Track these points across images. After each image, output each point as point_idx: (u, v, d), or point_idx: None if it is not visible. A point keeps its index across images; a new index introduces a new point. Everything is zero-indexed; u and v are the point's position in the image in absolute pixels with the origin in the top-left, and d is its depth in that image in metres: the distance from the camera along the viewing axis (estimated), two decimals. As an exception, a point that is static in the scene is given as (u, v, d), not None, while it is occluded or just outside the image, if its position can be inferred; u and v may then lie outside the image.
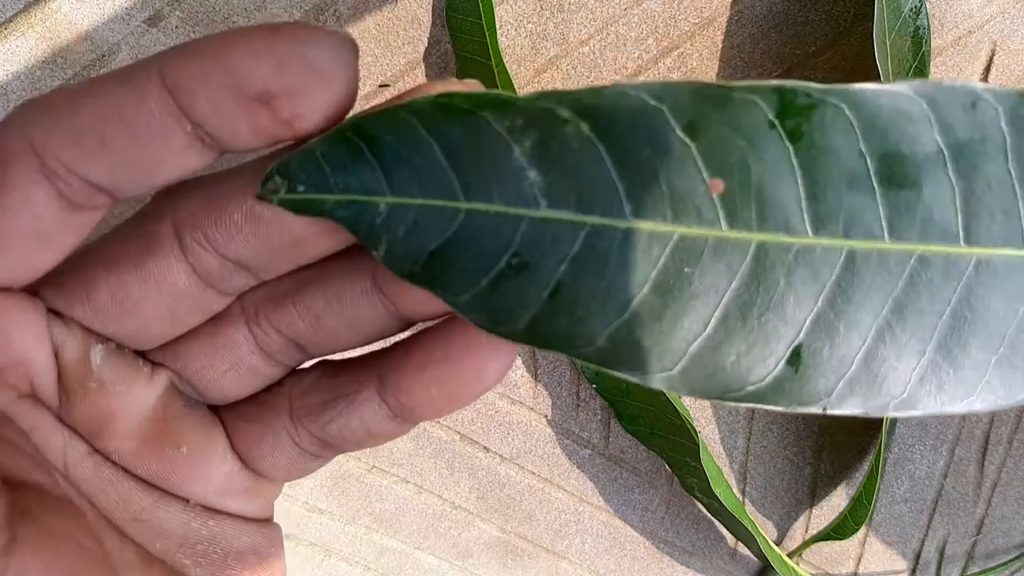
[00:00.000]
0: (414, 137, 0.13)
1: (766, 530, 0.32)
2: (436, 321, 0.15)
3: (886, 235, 0.13)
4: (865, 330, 0.13)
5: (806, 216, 0.13)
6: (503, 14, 0.23)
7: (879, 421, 0.29)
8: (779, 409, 0.14)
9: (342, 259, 0.14)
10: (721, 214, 0.13)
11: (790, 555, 0.31)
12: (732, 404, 0.14)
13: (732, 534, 0.31)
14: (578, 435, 0.30)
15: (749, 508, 0.31)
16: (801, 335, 0.13)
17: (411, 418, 0.15)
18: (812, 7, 0.23)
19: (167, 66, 0.11)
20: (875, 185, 0.13)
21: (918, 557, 0.32)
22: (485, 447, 0.30)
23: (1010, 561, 0.32)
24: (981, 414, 0.30)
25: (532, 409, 0.29)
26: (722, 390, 0.13)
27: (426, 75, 0.24)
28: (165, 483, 0.15)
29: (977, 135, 0.13)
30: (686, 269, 0.13)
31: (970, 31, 0.24)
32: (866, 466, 0.30)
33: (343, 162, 0.13)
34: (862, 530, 0.31)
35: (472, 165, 0.13)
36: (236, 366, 0.15)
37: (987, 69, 0.24)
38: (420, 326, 0.15)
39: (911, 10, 0.22)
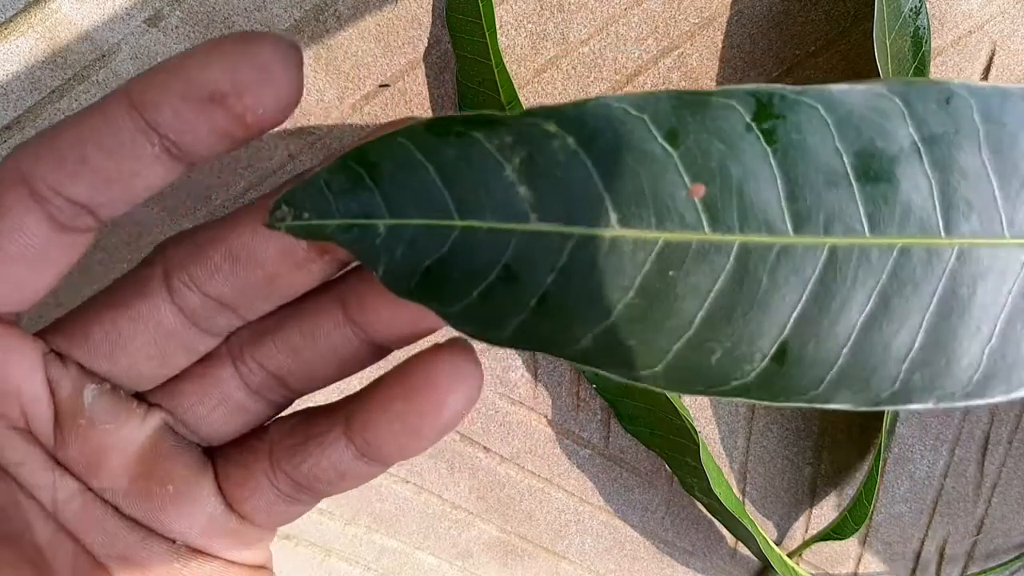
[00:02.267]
0: (410, 161, 0.14)
1: (766, 530, 0.32)
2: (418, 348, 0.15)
3: (866, 229, 0.13)
4: (851, 324, 0.13)
5: (787, 215, 0.13)
6: (503, 14, 0.23)
7: (879, 421, 0.29)
8: (765, 403, 0.14)
9: (316, 295, 0.15)
10: (703, 218, 0.13)
11: (790, 555, 0.31)
12: (722, 398, 0.14)
13: (732, 534, 0.31)
14: (578, 435, 0.30)
15: (749, 508, 0.31)
16: (786, 331, 0.13)
17: (378, 457, 0.16)
18: (812, 7, 0.23)
19: (133, 87, 0.13)
20: (852, 181, 0.13)
21: (918, 557, 0.32)
22: (485, 447, 0.30)
23: (1010, 561, 0.32)
24: (980, 413, 0.30)
25: (532, 409, 0.29)
26: (707, 385, 0.14)
27: (426, 75, 0.24)
28: (151, 521, 0.16)
29: (951, 128, 0.13)
30: (671, 273, 0.13)
31: (970, 31, 0.24)
32: (866, 466, 0.30)
33: (344, 188, 0.14)
34: (862, 530, 0.31)
35: (465, 184, 0.14)
36: (224, 402, 0.16)
37: (987, 69, 0.24)
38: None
39: (911, 10, 0.22)
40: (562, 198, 0.14)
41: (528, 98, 0.24)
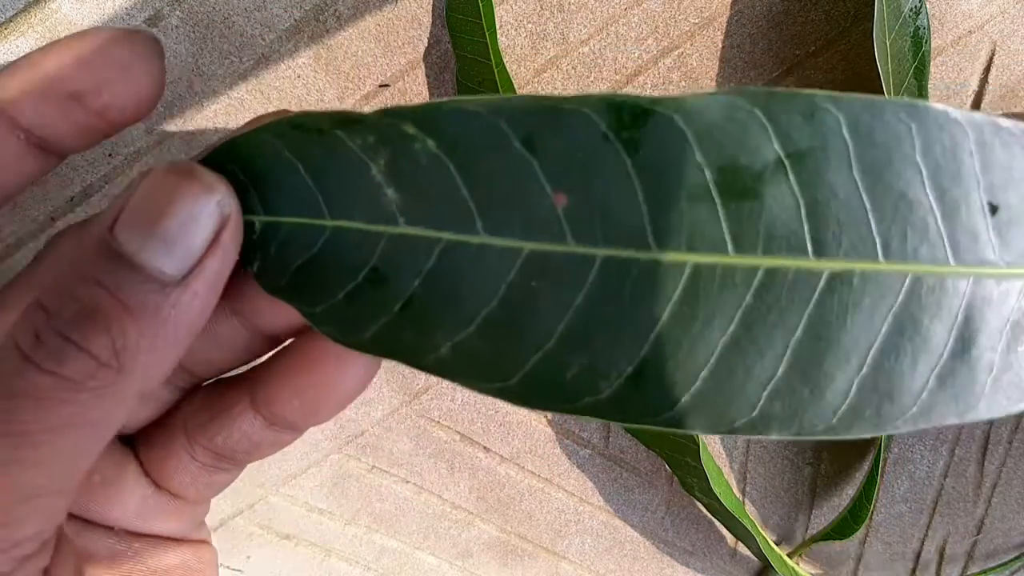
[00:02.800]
0: (279, 159, 0.14)
1: (766, 530, 0.32)
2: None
3: (730, 248, 0.12)
4: (712, 346, 0.13)
5: (649, 230, 0.13)
6: (503, 14, 0.23)
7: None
8: (616, 423, 0.13)
9: None
10: (567, 229, 0.13)
11: (790, 555, 0.31)
12: (571, 415, 0.13)
13: (732, 534, 0.31)
14: (578, 435, 0.30)
15: (749, 508, 0.31)
16: (645, 350, 0.13)
17: (287, 425, 0.16)
18: (812, 7, 0.23)
19: None
20: (716, 197, 0.12)
21: (918, 557, 0.32)
22: (485, 447, 0.30)
23: (1010, 561, 0.32)
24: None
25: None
26: (559, 401, 0.13)
27: (426, 75, 0.24)
28: (87, 512, 0.16)
29: (818, 143, 0.12)
30: (534, 283, 0.13)
31: (970, 31, 0.24)
32: (866, 466, 0.30)
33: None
34: (862, 530, 0.31)
35: (334, 184, 0.14)
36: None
37: (987, 69, 0.24)
38: None
39: (911, 10, 0.22)
40: (428, 202, 0.13)
41: (528, 98, 0.24)
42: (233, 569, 0.32)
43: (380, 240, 0.14)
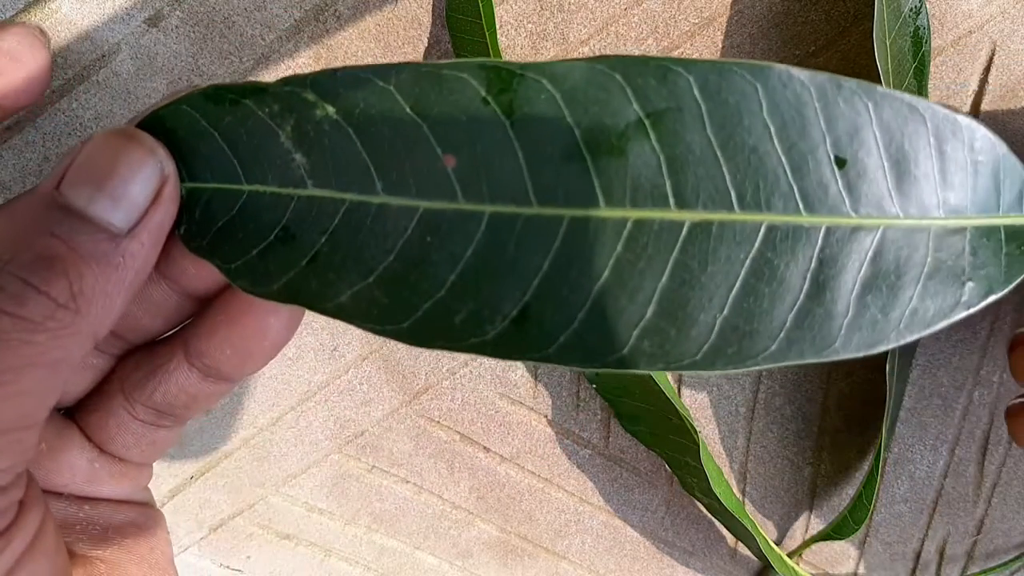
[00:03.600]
0: (198, 128, 0.15)
1: (766, 530, 0.32)
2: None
3: (602, 203, 0.14)
4: (586, 292, 0.14)
5: (530, 188, 0.14)
6: (503, 14, 0.23)
7: (879, 420, 0.29)
8: (497, 360, 0.15)
9: None
10: (457, 188, 0.14)
11: (790, 555, 0.31)
12: (462, 354, 0.15)
13: (732, 534, 0.31)
14: (578, 435, 0.30)
15: (749, 508, 0.31)
16: (528, 295, 0.14)
17: (222, 376, 0.17)
18: (812, 7, 0.23)
19: None
20: (586, 155, 0.14)
21: (918, 557, 0.32)
22: (485, 447, 0.30)
23: (1010, 561, 0.32)
24: (981, 413, 0.30)
25: (532, 409, 0.29)
26: (448, 341, 0.14)
27: (426, 75, 0.24)
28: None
29: (673, 104, 0.13)
30: (428, 239, 0.14)
31: (970, 31, 0.24)
32: (866, 466, 0.30)
33: None
34: (862, 530, 0.31)
35: (247, 151, 0.15)
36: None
37: (987, 69, 0.24)
38: None
39: (911, 10, 0.22)
40: (333, 166, 0.15)
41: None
42: (233, 569, 0.32)
43: (291, 202, 0.15)
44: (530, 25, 0.23)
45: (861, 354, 0.14)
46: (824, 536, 0.30)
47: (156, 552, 0.18)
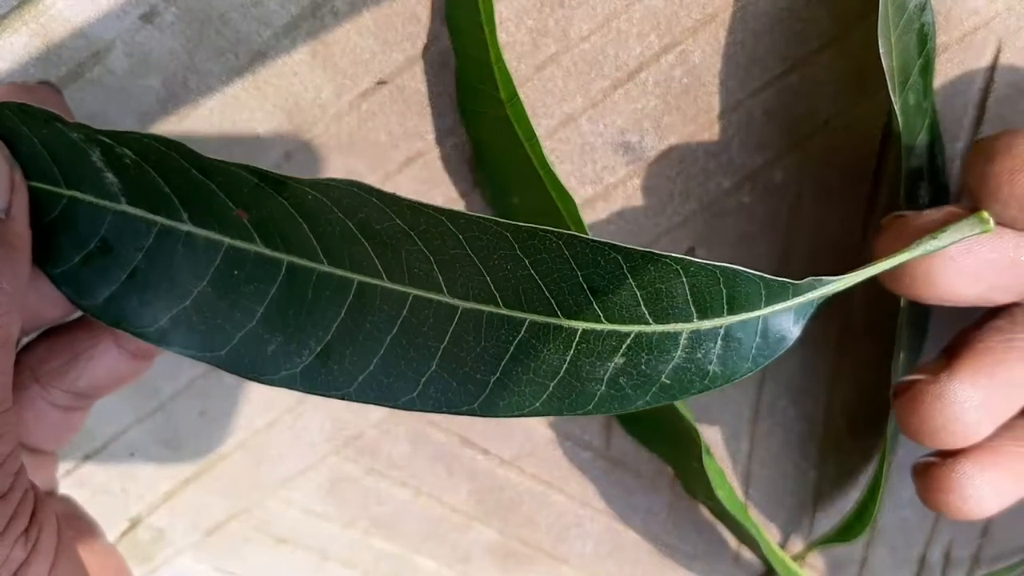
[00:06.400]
0: (19, 132, 0.16)
1: (769, 533, 0.31)
2: None
3: (385, 277, 0.16)
4: (380, 341, 0.16)
5: (320, 252, 0.16)
6: (503, 10, 0.22)
7: (883, 425, 0.29)
8: (307, 393, 0.16)
9: None
10: (256, 235, 0.16)
11: (794, 559, 0.31)
12: (272, 387, 0.16)
13: (735, 537, 0.31)
14: (579, 438, 0.30)
15: (752, 511, 0.31)
16: (329, 336, 0.16)
17: (150, 355, 0.18)
18: (816, 3, 0.23)
19: None
20: (365, 242, 0.16)
21: (923, 561, 0.32)
22: (484, 450, 0.30)
23: (1016, 564, 0.31)
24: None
25: (532, 411, 0.29)
26: (259, 373, 0.16)
27: (425, 72, 0.23)
28: None
29: (433, 231, 0.16)
30: (235, 272, 0.16)
31: (976, 28, 0.23)
32: (870, 470, 0.30)
33: None
34: (866, 534, 0.30)
35: (66, 160, 0.16)
36: None
37: (992, 66, 0.24)
38: None
39: (916, 6, 0.22)
40: (142, 190, 0.16)
41: (529, 95, 0.24)
42: (228, 573, 0.32)
43: (107, 215, 0.16)
44: (530, 21, 0.23)
45: (612, 412, 0.17)
46: (828, 540, 0.30)
47: (97, 538, 0.19)
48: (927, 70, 0.23)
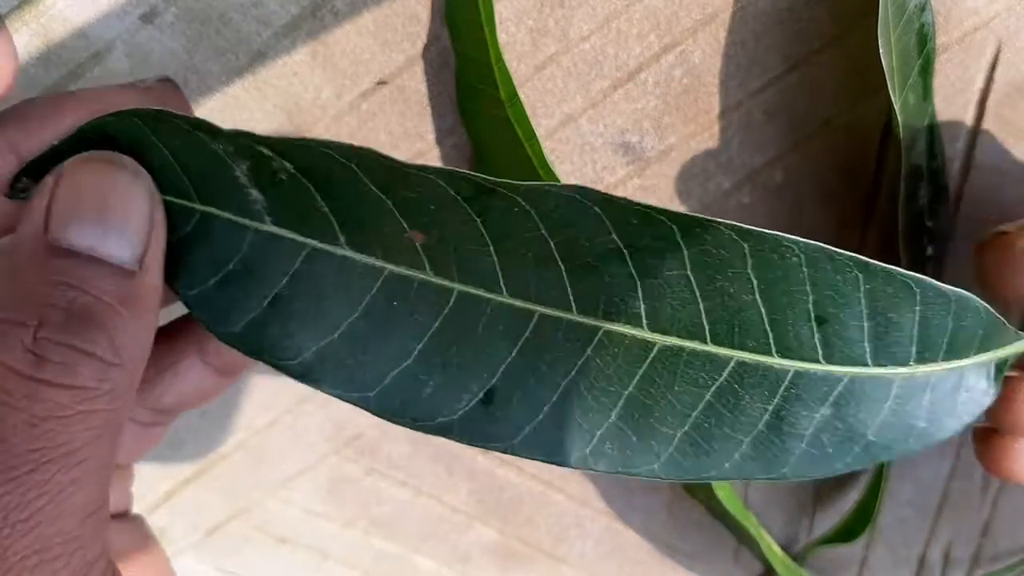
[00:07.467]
0: (148, 143, 0.14)
1: (769, 533, 0.31)
2: None
3: (574, 309, 0.14)
4: (553, 386, 0.14)
5: (501, 278, 0.14)
6: (503, 10, 0.22)
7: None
8: (465, 444, 0.14)
9: None
10: (425, 261, 0.14)
11: (794, 559, 0.31)
12: (427, 434, 0.15)
13: (735, 537, 0.31)
14: (579, 437, 0.30)
15: (752, 511, 0.31)
16: (495, 379, 0.14)
17: (236, 372, 0.17)
18: (816, 3, 0.23)
19: None
20: (560, 263, 0.14)
21: (923, 561, 0.32)
22: (484, 450, 0.30)
23: (1016, 564, 0.31)
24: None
25: (532, 411, 0.29)
26: (413, 418, 0.14)
27: (425, 72, 0.23)
28: None
29: (655, 244, 0.14)
30: (395, 303, 0.14)
31: (975, 28, 0.23)
32: (870, 470, 0.30)
33: None
34: (866, 534, 0.30)
35: (200, 172, 0.14)
36: None
37: (992, 66, 0.24)
38: None
39: (916, 6, 0.22)
40: (293, 210, 0.14)
41: (529, 95, 0.24)
42: (228, 573, 0.32)
43: (247, 234, 0.14)
44: (530, 21, 0.23)
45: (804, 478, 0.15)
46: (828, 540, 0.30)
47: (158, 564, 0.18)
48: (927, 70, 0.23)
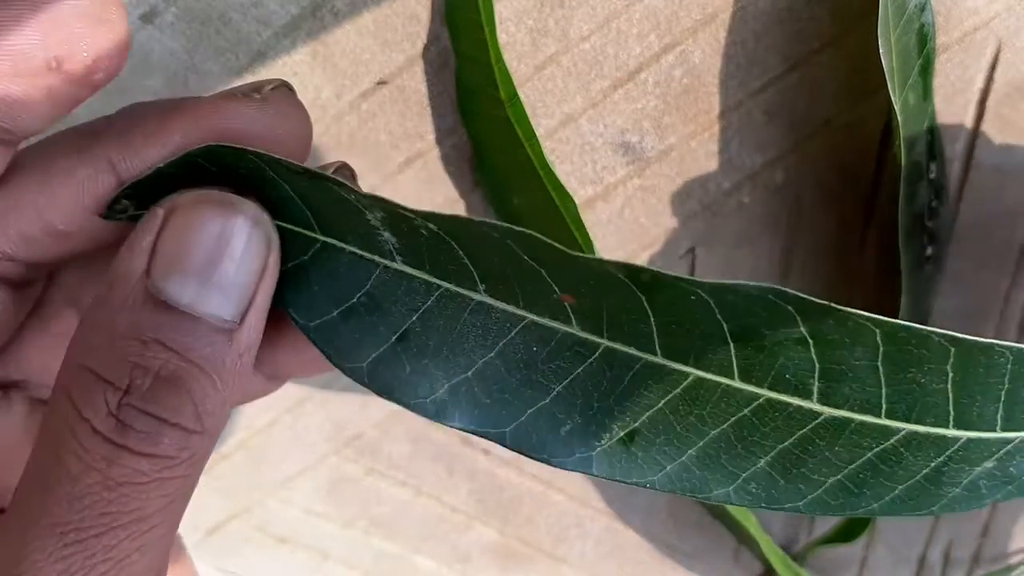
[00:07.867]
0: (265, 176, 0.13)
1: (769, 533, 0.31)
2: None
3: (736, 377, 0.14)
4: (702, 435, 0.14)
5: (658, 345, 0.13)
6: (503, 10, 0.22)
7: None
8: (602, 477, 0.14)
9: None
10: (573, 317, 0.14)
11: (794, 559, 0.31)
12: (563, 471, 0.14)
13: (735, 538, 0.31)
14: (579, 437, 0.30)
15: (752, 511, 0.31)
16: (638, 423, 0.14)
17: (284, 378, 0.16)
18: (816, 3, 0.23)
19: None
20: (730, 341, 0.13)
21: (922, 561, 0.32)
22: (485, 450, 0.30)
23: (1016, 565, 0.31)
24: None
25: (532, 411, 0.29)
26: (548, 454, 0.14)
27: (425, 72, 0.23)
28: None
29: (846, 339, 0.13)
30: (535, 348, 0.14)
31: (975, 28, 0.23)
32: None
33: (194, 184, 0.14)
34: (866, 534, 0.30)
35: (326, 209, 0.14)
36: None
37: (992, 67, 0.24)
38: None
39: (916, 6, 0.22)
40: (428, 255, 0.13)
41: (529, 95, 0.24)
42: (229, 573, 0.32)
43: (375, 269, 0.14)
44: (530, 21, 0.23)
45: (954, 512, 0.14)
46: (828, 540, 0.30)
47: (187, 574, 0.17)
48: (927, 70, 0.23)
